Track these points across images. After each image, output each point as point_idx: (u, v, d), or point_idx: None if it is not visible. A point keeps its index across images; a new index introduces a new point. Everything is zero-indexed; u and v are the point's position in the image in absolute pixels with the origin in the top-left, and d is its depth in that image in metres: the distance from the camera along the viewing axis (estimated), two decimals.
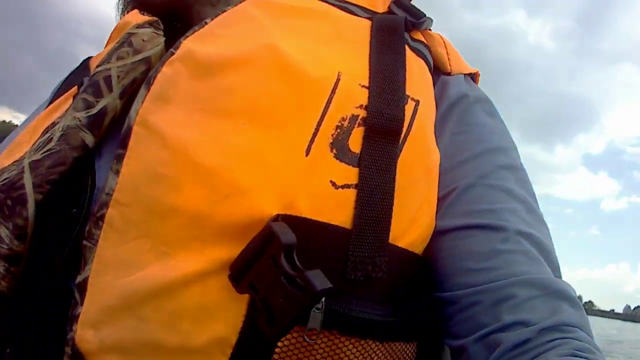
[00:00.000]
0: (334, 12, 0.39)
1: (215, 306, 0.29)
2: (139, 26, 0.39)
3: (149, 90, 0.33)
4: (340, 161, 0.32)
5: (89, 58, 0.46)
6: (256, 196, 0.29)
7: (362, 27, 0.39)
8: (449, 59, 0.41)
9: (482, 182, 0.36)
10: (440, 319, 0.35)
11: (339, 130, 0.32)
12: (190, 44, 0.35)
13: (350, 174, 0.32)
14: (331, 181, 0.31)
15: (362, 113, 0.33)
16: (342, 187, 0.31)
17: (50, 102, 0.43)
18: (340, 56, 0.35)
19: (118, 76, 0.36)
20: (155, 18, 0.40)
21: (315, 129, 0.32)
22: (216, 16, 0.37)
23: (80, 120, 0.35)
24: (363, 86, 0.34)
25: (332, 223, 0.31)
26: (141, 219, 0.30)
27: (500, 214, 0.35)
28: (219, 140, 0.30)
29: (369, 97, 0.34)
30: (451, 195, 0.36)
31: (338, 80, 0.33)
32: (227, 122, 0.31)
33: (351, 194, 0.31)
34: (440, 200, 0.36)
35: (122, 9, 0.45)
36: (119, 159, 0.32)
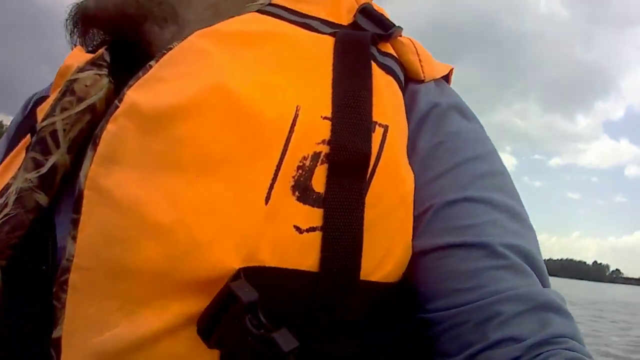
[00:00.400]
0: (292, 32, 0.37)
1: (187, 358, 0.29)
2: (80, 69, 0.38)
3: (95, 151, 0.32)
4: (304, 204, 0.31)
5: (37, 102, 0.45)
6: (215, 250, 0.29)
7: (324, 48, 0.36)
8: (421, 66, 0.40)
9: (460, 196, 0.35)
10: (428, 338, 0.35)
11: (300, 171, 0.31)
12: (134, 94, 0.33)
13: (314, 216, 0.31)
14: (295, 226, 0.30)
15: (325, 149, 0.32)
16: (307, 230, 0.31)
17: (8, 146, 0.43)
18: (300, 86, 0.34)
19: (64, 130, 0.36)
20: (98, 54, 0.39)
21: (274, 174, 0.30)
22: (161, 56, 0.35)
23: (32, 182, 0.35)
24: (325, 118, 0.33)
25: (299, 269, 0.30)
26: (104, 282, 0.30)
27: (482, 228, 0.34)
28: (172, 196, 0.29)
29: (331, 130, 0.32)
30: (428, 212, 0.35)
31: (297, 115, 0.32)
32: (180, 176, 0.30)
33: (317, 236, 0.31)
34: (418, 218, 0.35)
35: (71, 28, 0.44)
36: (75, 224, 0.31)
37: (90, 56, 0.40)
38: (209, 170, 0.30)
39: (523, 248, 0.35)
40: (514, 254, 0.34)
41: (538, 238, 0.37)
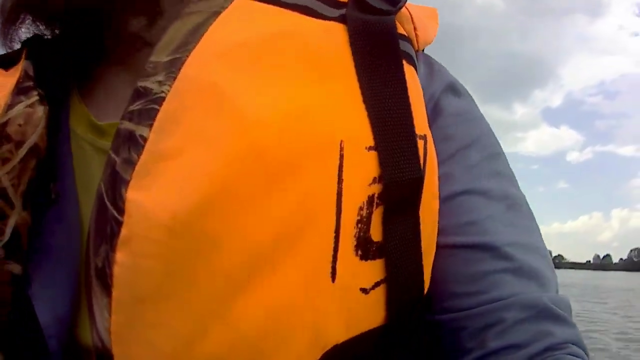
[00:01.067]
0: (302, 28, 0.29)
1: None
2: (9, 106, 0.31)
3: (109, 297, 0.24)
4: (366, 260, 0.27)
5: None
6: (289, 355, 0.25)
7: (339, 43, 0.29)
8: (416, 35, 0.34)
9: (458, 190, 0.33)
10: (428, 341, 0.34)
11: (360, 225, 0.26)
12: (138, 197, 0.24)
13: (377, 269, 0.27)
14: (361, 289, 0.27)
15: (377, 189, 0.27)
16: (373, 287, 0.27)
17: None
18: (333, 106, 0.27)
19: (12, 185, 0.30)
20: (20, 74, 0.33)
21: (335, 243, 0.26)
22: (150, 113, 0.25)
23: None
24: (370, 148, 0.27)
25: (370, 329, 0.28)
26: None
27: (483, 225, 0.32)
28: (226, 317, 0.24)
29: (379, 164, 0.27)
30: None
31: (342, 155, 0.26)
32: (228, 287, 0.24)
33: (382, 290, 0.28)
34: None
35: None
36: None
37: (11, 80, 0.33)
38: (258, 267, 0.24)
39: (527, 243, 0.33)
40: (519, 254, 0.32)
41: None
